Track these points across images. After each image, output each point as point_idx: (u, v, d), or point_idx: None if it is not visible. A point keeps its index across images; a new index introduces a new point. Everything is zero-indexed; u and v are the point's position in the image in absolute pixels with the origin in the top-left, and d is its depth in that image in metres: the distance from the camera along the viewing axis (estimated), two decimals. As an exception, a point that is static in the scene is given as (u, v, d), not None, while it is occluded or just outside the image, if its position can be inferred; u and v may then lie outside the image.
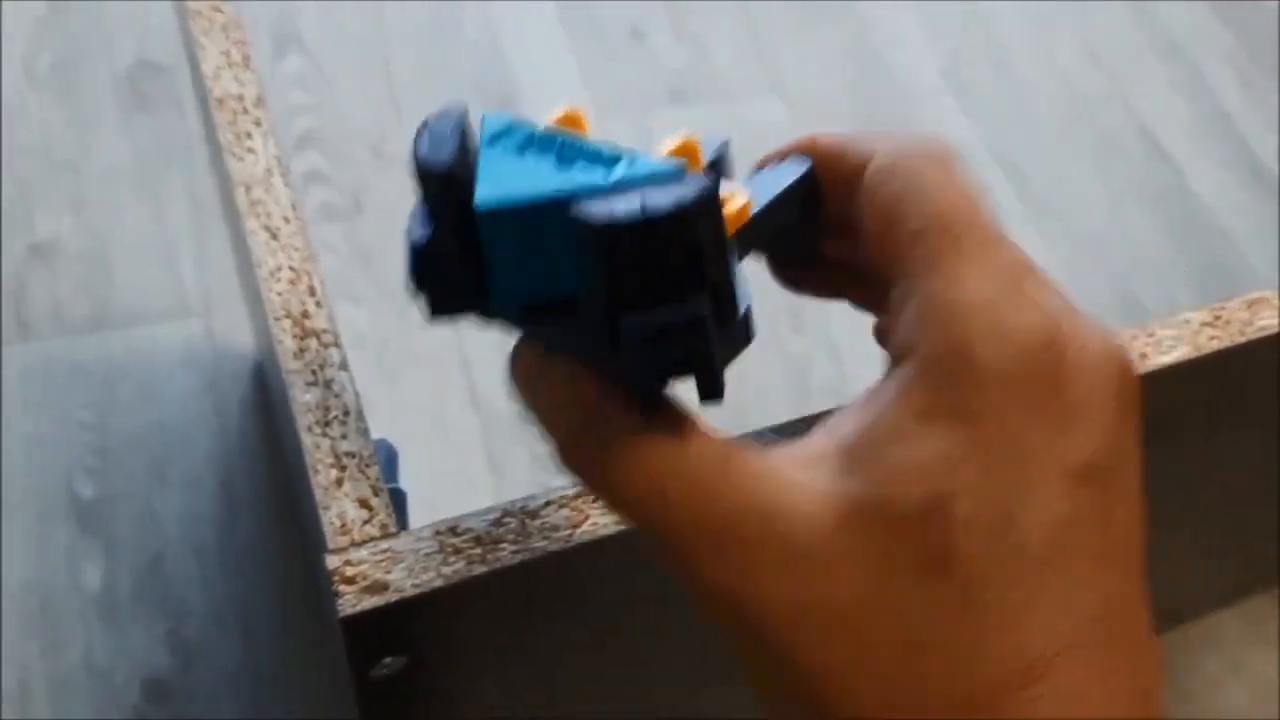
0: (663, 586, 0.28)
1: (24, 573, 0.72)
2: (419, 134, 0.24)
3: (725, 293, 0.22)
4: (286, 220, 0.38)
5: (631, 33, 1.05)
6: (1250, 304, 0.41)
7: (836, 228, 0.28)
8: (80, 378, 0.81)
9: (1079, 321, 0.22)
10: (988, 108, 1.05)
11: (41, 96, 0.94)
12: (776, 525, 0.20)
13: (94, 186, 0.90)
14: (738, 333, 0.23)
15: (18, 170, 0.90)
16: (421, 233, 0.24)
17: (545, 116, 0.24)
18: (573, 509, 0.33)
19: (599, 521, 0.33)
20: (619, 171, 0.22)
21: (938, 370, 0.21)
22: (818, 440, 0.23)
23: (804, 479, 0.21)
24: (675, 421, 0.23)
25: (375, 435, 0.79)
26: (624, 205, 0.20)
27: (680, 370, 0.22)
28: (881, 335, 0.26)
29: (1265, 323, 0.40)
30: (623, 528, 0.32)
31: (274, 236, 0.37)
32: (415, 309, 0.88)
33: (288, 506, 0.76)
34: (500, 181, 0.22)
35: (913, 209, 0.23)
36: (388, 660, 0.34)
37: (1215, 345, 0.39)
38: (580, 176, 0.22)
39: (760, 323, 0.24)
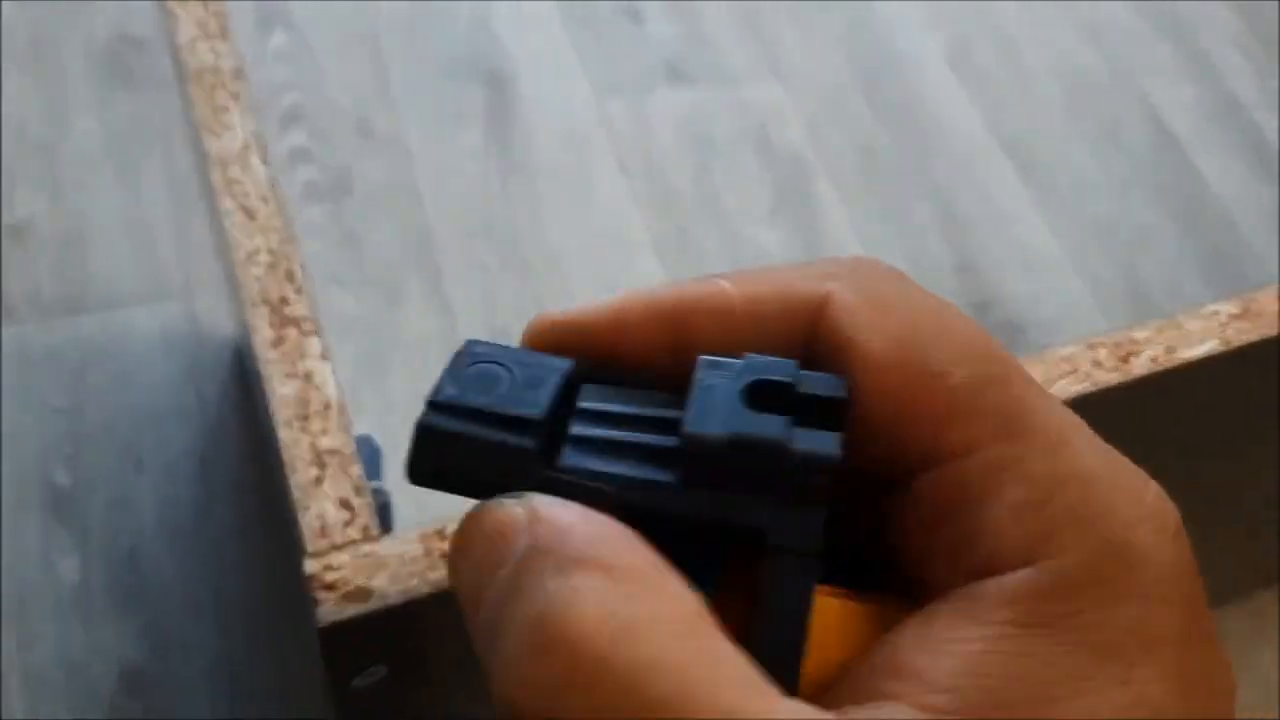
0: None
1: (-2, 563, 0.70)
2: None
3: None
4: (265, 200, 0.35)
5: (626, 12, 1.03)
6: (1280, 295, 0.39)
7: None
8: (55, 362, 0.78)
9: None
10: (992, 91, 1.03)
11: (17, 73, 0.91)
12: None
13: (71, 166, 0.87)
14: None
15: (-8, 147, 0.87)
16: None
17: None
18: (568, 511, 0.31)
19: (596, 524, 0.31)
20: None
21: (1096, 581, 0.15)
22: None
23: None
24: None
25: (361, 427, 0.77)
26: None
27: None
28: (903, 534, 0.18)
29: (1297, 315, 0.38)
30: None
31: (251, 217, 0.35)
32: (404, 294, 0.87)
33: (268, 496, 0.74)
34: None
35: (940, 352, 0.17)
36: (369, 669, 0.31)
37: (1246, 339, 0.37)
38: None
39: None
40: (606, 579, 0.15)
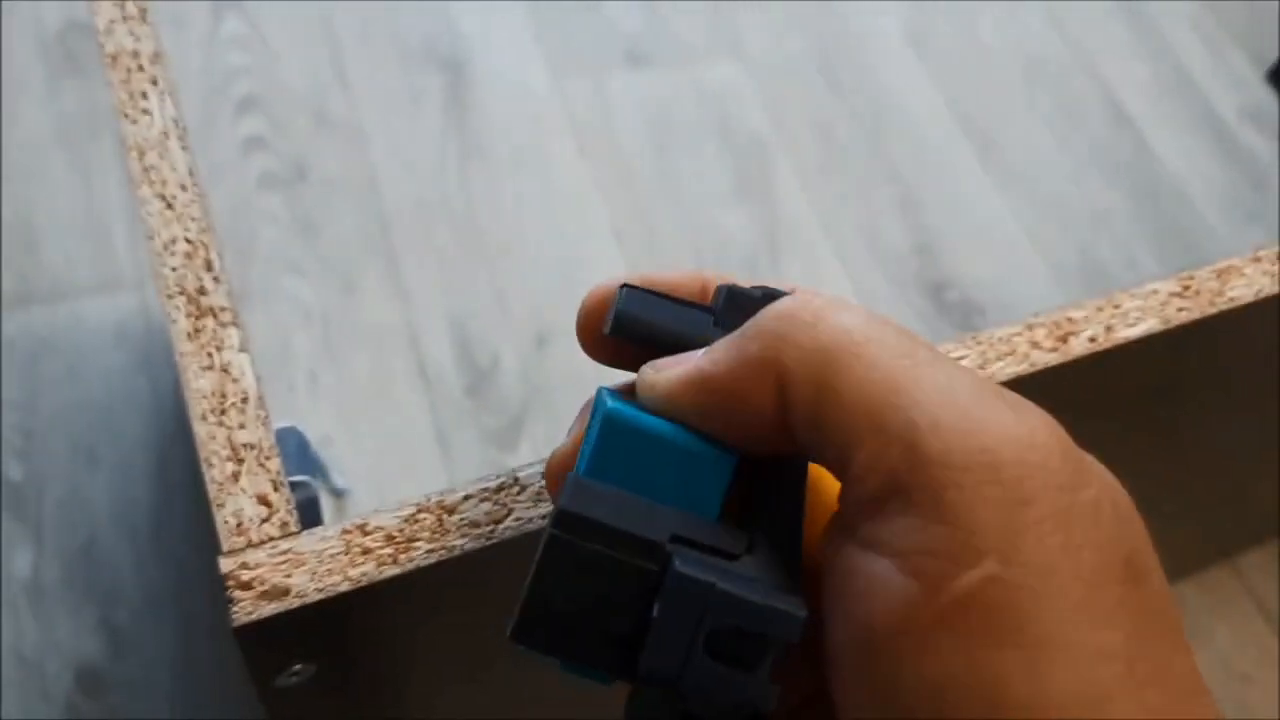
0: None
1: (-51, 560, 0.69)
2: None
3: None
4: (184, 188, 0.34)
5: (587, -7, 1.02)
6: (1220, 272, 0.39)
7: None
8: (6, 354, 0.77)
9: None
10: (950, 72, 1.02)
11: (-37, 59, 0.89)
12: None
13: (20, 154, 0.86)
14: None
15: (-62, 137, 0.85)
16: None
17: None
18: (495, 502, 0.30)
19: (522, 516, 0.30)
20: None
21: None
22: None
23: None
24: None
25: (318, 415, 0.76)
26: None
27: None
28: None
29: (1237, 292, 0.38)
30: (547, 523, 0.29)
31: (169, 206, 0.34)
32: (361, 282, 0.86)
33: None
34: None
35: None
36: (296, 668, 0.31)
37: (1184, 317, 0.37)
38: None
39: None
40: None
